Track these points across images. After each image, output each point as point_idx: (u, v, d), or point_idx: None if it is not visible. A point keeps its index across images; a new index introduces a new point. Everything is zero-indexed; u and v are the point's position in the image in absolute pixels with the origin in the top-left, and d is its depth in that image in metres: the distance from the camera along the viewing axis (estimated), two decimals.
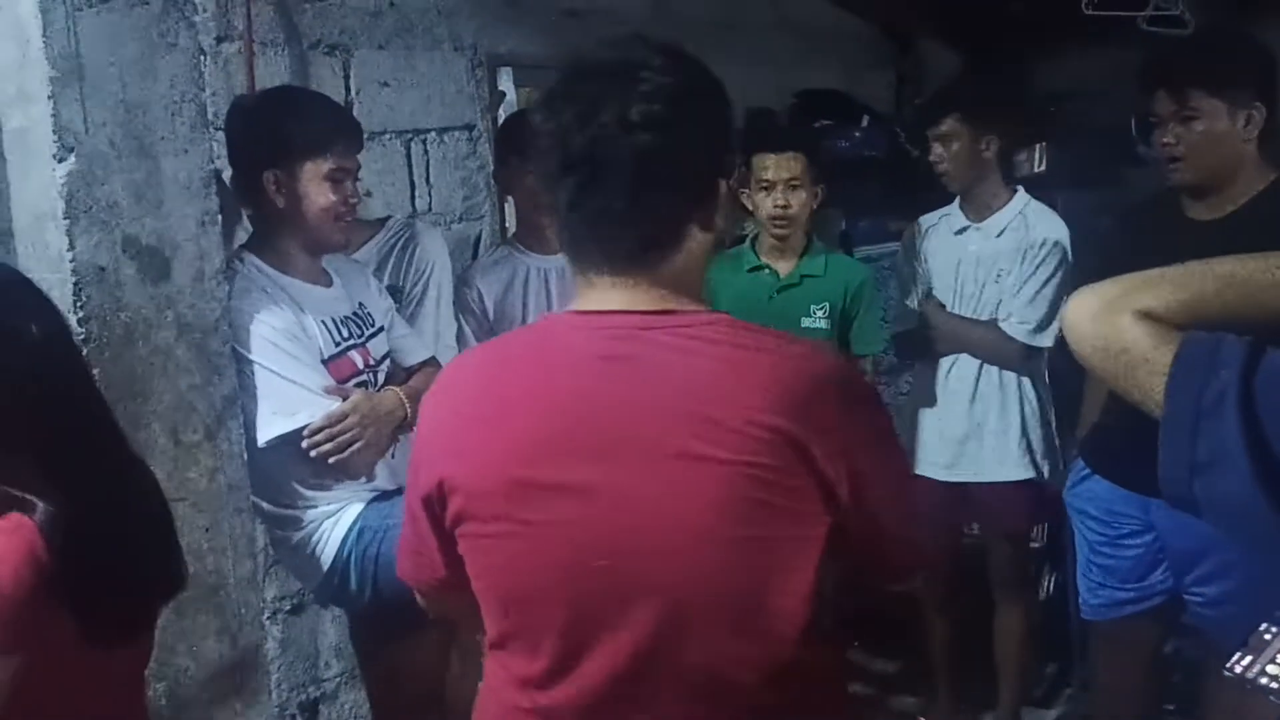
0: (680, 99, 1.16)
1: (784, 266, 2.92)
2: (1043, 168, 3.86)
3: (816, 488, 1.13)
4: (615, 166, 1.14)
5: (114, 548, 1.32)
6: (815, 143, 3.21)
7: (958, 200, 3.05)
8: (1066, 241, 2.90)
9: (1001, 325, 2.90)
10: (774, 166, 2.82)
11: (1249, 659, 1.49)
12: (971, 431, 2.97)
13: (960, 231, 3.02)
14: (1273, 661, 1.45)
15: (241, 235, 2.26)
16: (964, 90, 3.13)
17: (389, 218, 2.73)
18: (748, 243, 3.00)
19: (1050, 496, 2.99)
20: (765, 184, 2.83)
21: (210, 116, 2.23)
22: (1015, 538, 3.08)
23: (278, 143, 2.10)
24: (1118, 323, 0.90)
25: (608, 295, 1.20)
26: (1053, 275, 2.87)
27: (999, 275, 2.93)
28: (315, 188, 2.10)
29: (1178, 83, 2.23)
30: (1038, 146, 3.87)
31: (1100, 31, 3.34)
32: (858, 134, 3.92)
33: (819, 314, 2.89)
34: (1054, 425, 2.99)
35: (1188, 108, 2.22)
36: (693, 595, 1.14)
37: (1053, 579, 3.47)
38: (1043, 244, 2.88)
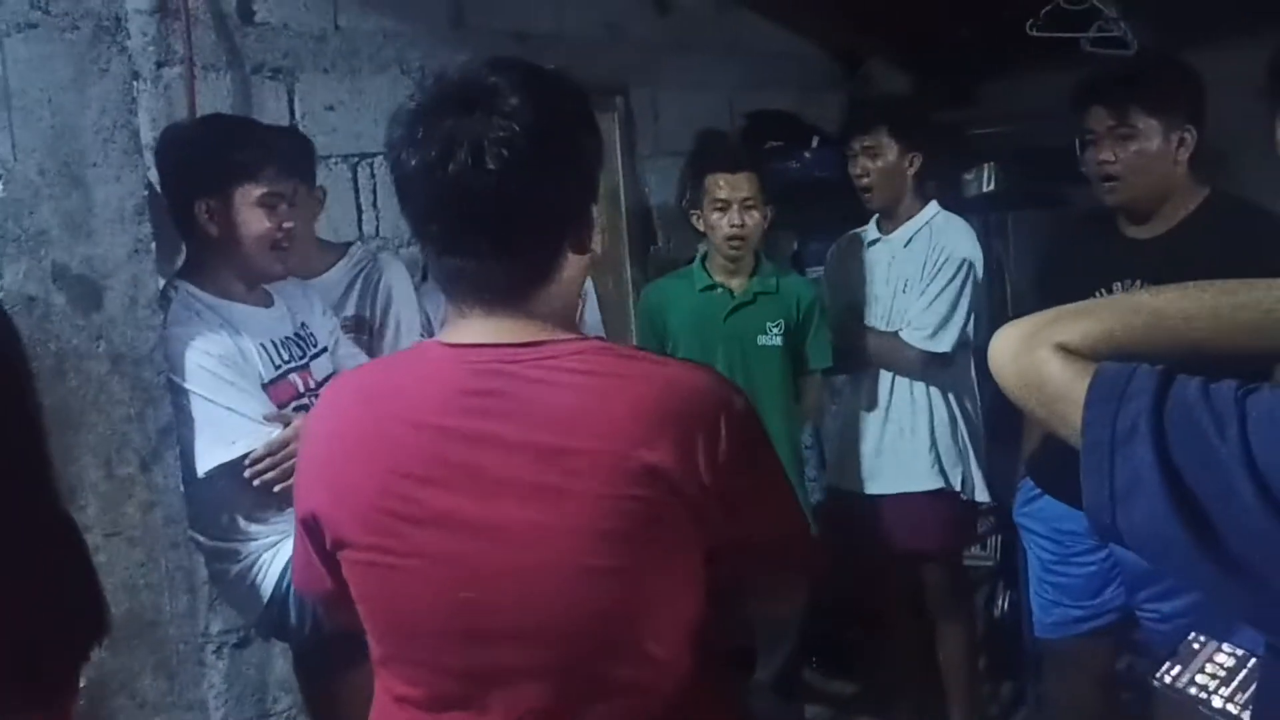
0: (539, 129, 1.12)
1: (737, 285, 2.93)
2: (991, 187, 3.89)
3: (686, 517, 1.13)
4: (478, 207, 1.12)
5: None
6: (766, 163, 3.23)
7: (875, 216, 3.10)
8: (972, 251, 2.95)
9: (901, 334, 2.94)
10: (729, 186, 2.83)
11: (1178, 669, 1.50)
12: (888, 443, 3.00)
13: (872, 244, 3.08)
14: (1200, 671, 1.46)
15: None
16: (895, 105, 3.16)
17: (353, 243, 2.71)
18: (697, 262, 3.01)
19: (964, 507, 3.02)
20: (720, 204, 2.84)
21: (148, 142, 2.21)
22: (936, 552, 3.09)
23: (207, 170, 2.07)
24: (1036, 357, 0.91)
25: (477, 326, 1.19)
26: (951, 282, 2.90)
27: (906, 285, 2.98)
28: (248, 215, 2.08)
29: (1116, 99, 2.28)
30: (986, 166, 3.90)
31: (1046, 54, 3.38)
32: (808, 155, 3.93)
33: (774, 331, 2.92)
34: (967, 437, 3.02)
35: (1125, 124, 2.26)
36: (561, 627, 1.14)
37: (1007, 597, 3.48)
38: (943, 251, 2.93)
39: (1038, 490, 2.52)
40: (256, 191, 2.08)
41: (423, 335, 2.72)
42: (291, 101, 2.89)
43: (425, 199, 1.15)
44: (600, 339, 1.25)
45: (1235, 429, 0.78)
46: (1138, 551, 0.87)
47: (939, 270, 2.92)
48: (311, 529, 1.26)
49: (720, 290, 2.93)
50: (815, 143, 3.99)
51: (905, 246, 3.00)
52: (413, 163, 1.14)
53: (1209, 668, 1.41)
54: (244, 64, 2.80)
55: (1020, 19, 3.38)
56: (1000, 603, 3.51)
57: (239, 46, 2.79)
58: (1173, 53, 3.00)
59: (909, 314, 2.95)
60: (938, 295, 2.91)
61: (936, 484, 2.98)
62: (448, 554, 1.15)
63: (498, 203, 1.12)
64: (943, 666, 3.11)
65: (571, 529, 1.12)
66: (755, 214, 2.85)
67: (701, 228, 2.92)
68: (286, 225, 2.13)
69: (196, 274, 2.13)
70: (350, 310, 2.62)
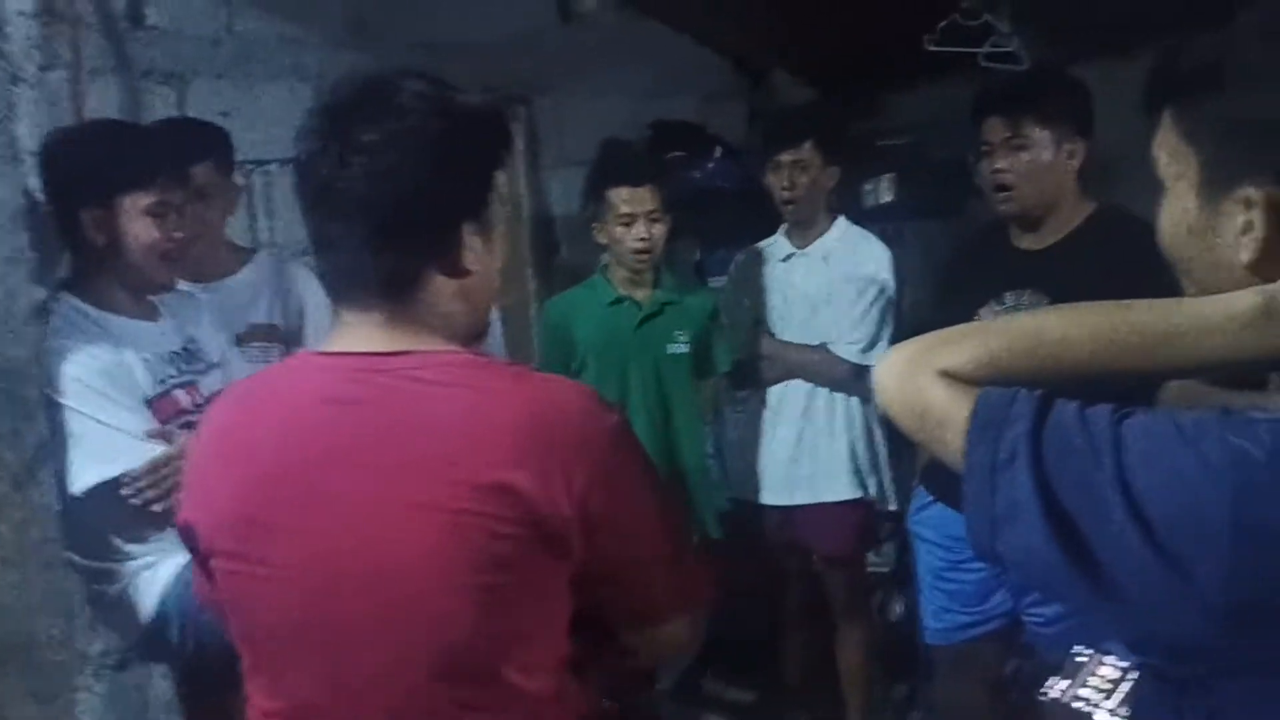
0: (415, 138, 1.13)
1: (642, 296, 2.93)
2: (890, 198, 3.95)
3: (542, 539, 1.11)
4: (344, 202, 1.13)
5: None
6: (670, 172, 3.24)
7: (782, 228, 3.13)
8: (888, 265, 3.01)
9: (831, 348, 2.97)
10: (633, 200, 2.82)
11: (1065, 683, 1.53)
12: (804, 455, 3.02)
13: (786, 258, 3.10)
14: (1085, 685, 1.50)
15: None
16: (819, 118, 3.20)
17: (255, 250, 2.67)
18: (599, 274, 3.00)
19: (878, 516, 3.07)
20: (625, 218, 2.83)
21: (29, 148, 2.14)
22: (848, 559, 3.13)
23: (94, 178, 2.01)
24: (918, 382, 0.91)
25: (351, 333, 1.18)
26: (877, 298, 2.96)
27: (826, 300, 3.01)
28: (136, 223, 2.02)
29: (1010, 111, 2.34)
30: (885, 178, 3.96)
31: (943, 68, 3.45)
32: (710, 165, 3.95)
33: (682, 339, 2.93)
34: (881, 445, 3.07)
35: (1019, 135, 2.32)
36: (416, 644, 1.12)
37: (901, 602, 3.54)
38: (865, 268, 2.98)
39: (930, 498, 2.56)
40: (145, 200, 2.02)
41: None
42: (183, 107, 2.83)
43: (304, 192, 1.17)
44: (476, 352, 1.22)
45: (1111, 454, 0.79)
46: (1017, 574, 0.88)
47: (864, 287, 2.97)
48: (187, 537, 1.26)
49: (628, 302, 2.93)
50: (718, 153, 4.01)
51: (823, 261, 3.03)
52: (301, 156, 1.17)
53: (1093, 681, 1.44)
54: (133, 69, 2.74)
55: (918, 33, 3.44)
56: (895, 607, 3.57)
57: (128, 51, 2.73)
58: (1062, 67, 3.09)
59: (836, 328, 2.98)
60: (865, 311, 2.95)
61: (855, 493, 3.02)
62: (303, 563, 1.14)
63: (361, 199, 1.13)
64: (842, 670, 3.15)
65: (423, 544, 1.10)
66: (660, 226, 2.85)
67: (604, 240, 2.91)
68: (176, 235, 2.08)
69: (80, 286, 2.07)
70: (261, 318, 2.58)
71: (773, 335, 3.07)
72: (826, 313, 3.00)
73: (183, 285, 2.36)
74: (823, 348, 2.99)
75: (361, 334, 1.18)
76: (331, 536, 1.12)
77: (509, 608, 1.12)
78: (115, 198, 2.01)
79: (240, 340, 2.53)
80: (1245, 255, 0.86)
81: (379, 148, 1.12)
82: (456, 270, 1.19)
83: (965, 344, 0.92)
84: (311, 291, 2.64)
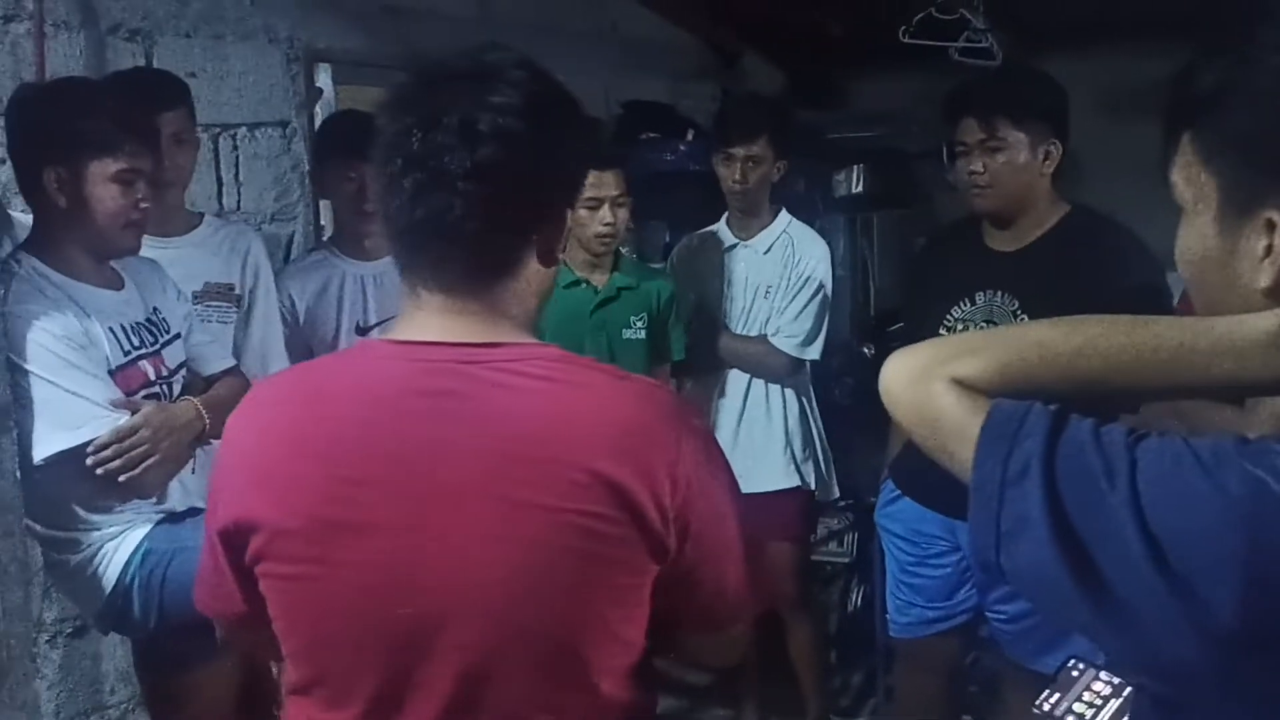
0: (533, 116, 1.10)
1: (599, 280, 2.92)
2: (860, 188, 3.96)
3: (643, 538, 1.07)
4: (454, 177, 1.07)
5: None
6: (641, 154, 3.21)
7: (724, 218, 3.14)
8: (827, 260, 3.05)
9: (771, 340, 3.00)
10: (599, 184, 2.78)
11: (1056, 696, 1.54)
12: (742, 443, 3.03)
13: (729, 249, 3.11)
14: (1079, 699, 1.51)
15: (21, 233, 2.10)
16: (774, 113, 3.19)
17: (203, 214, 2.61)
18: None
19: (815, 505, 3.10)
20: (591, 201, 2.80)
21: None
22: (790, 546, 3.13)
23: (62, 138, 1.94)
24: (930, 390, 0.90)
25: (432, 320, 1.13)
26: (817, 292, 3.00)
27: (767, 291, 3.03)
28: (102, 189, 1.96)
29: (986, 112, 2.33)
30: (856, 167, 3.97)
31: (917, 60, 3.46)
32: (682, 147, 3.94)
33: (638, 324, 2.92)
34: (818, 435, 3.11)
35: (994, 137, 2.32)
36: (505, 644, 1.09)
37: (860, 592, 3.57)
38: (806, 262, 3.01)
39: (897, 492, 2.57)
40: (113, 167, 1.96)
41: (284, 319, 2.64)
42: (149, 65, 2.75)
43: (402, 159, 1.09)
44: (559, 348, 1.18)
45: (1125, 476, 0.78)
46: (1020, 590, 0.88)
47: (805, 280, 3.00)
48: (231, 540, 1.17)
49: (585, 285, 2.91)
50: (690, 135, 4.00)
51: (764, 253, 3.05)
52: (393, 127, 1.10)
53: (1086, 696, 1.44)
54: (99, 23, 2.66)
55: (894, 24, 3.45)
56: (854, 597, 3.60)
57: (94, 5, 2.65)
58: (1034, 65, 3.11)
59: (775, 322, 3.01)
60: (806, 304, 2.99)
61: (793, 482, 3.05)
62: (387, 563, 1.09)
63: (477, 169, 1.07)
64: (794, 658, 3.17)
65: (520, 541, 1.06)
66: (624, 211, 2.83)
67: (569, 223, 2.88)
68: (144, 205, 2.01)
69: (43, 247, 2.00)
70: (218, 277, 2.53)
71: (714, 325, 3.08)
72: (765, 304, 3.03)
73: (144, 241, 2.31)
74: (763, 339, 3.02)
75: (444, 323, 1.13)
76: (420, 534, 1.08)
77: (603, 608, 1.10)
78: (81, 161, 1.94)
79: (197, 297, 2.48)
80: (1265, 280, 0.85)
81: (504, 121, 1.07)
82: (552, 256, 1.17)
83: (977, 353, 0.91)
84: (265, 258, 2.63)
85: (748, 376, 3.05)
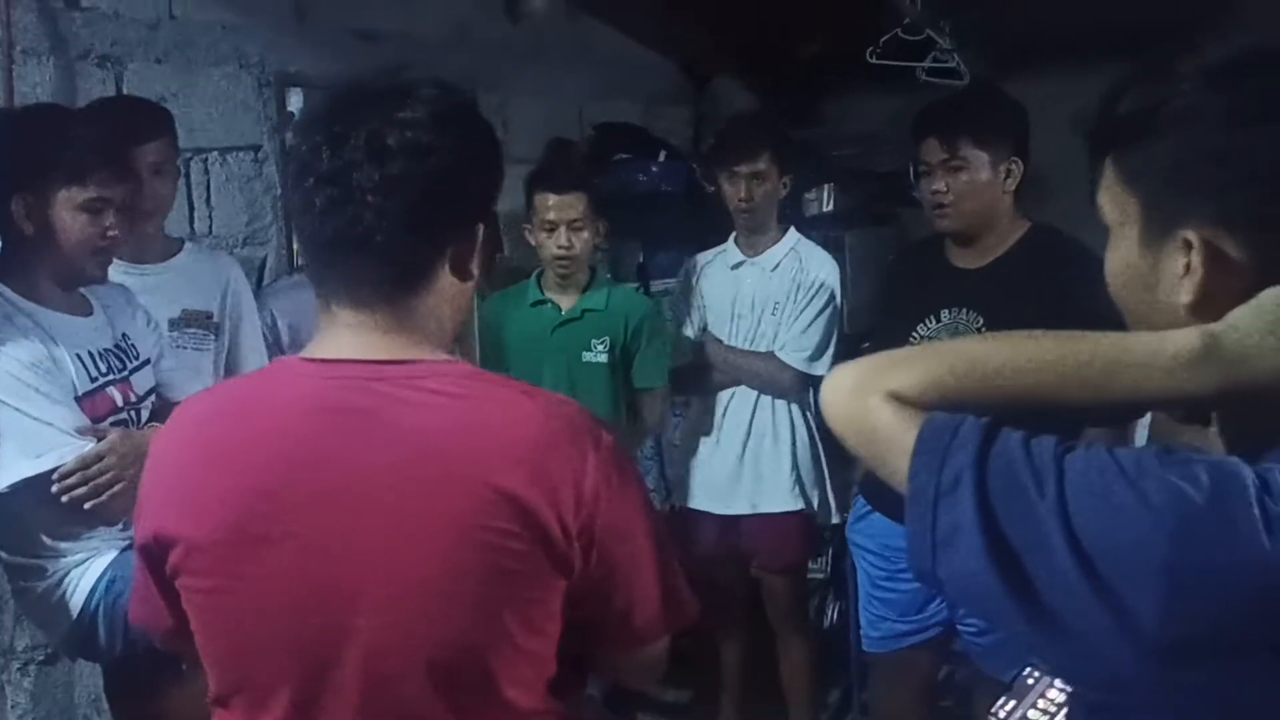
0: (441, 131, 1.12)
1: (566, 301, 2.93)
2: (830, 207, 3.99)
3: (546, 553, 1.09)
4: (363, 191, 1.09)
5: None
6: (595, 181, 3.21)
7: (733, 236, 3.14)
8: (836, 277, 3.05)
9: (778, 355, 2.99)
10: (556, 208, 2.82)
11: (1012, 703, 1.55)
12: (747, 464, 3.03)
13: (736, 266, 3.11)
14: (1034, 706, 1.52)
15: None
16: (775, 130, 3.21)
17: (183, 240, 2.64)
18: (534, 276, 2.99)
19: (818, 528, 3.11)
20: (548, 225, 2.82)
21: None
22: (790, 570, 3.14)
23: (29, 166, 1.95)
24: (867, 403, 0.92)
25: (345, 338, 1.15)
26: (825, 308, 3.00)
27: (774, 308, 3.03)
28: (69, 217, 1.96)
29: (948, 132, 2.37)
30: (826, 186, 4.00)
31: (885, 80, 3.50)
32: (655, 168, 3.96)
33: (599, 348, 2.91)
34: (823, 458, 3.09)
35: (956, 156, 2.36)
36: (412, 654, 1.11)
37: (836, 608, 3.58)
38: (815, 278, 3.01)
39: (868, 507, 2.59)
40: (81, 195, 1.96)
41: (267, 338, 2.66)
42: (120, 91, 2.76)
43: (313, 177, 1.11)
44: (472, 366, 1.20)
45: (1053, 486, 0.80)
46: (956, 599, 0.90)
47: (813, 296, 2.99)
48: (152, 555, 1.19)
49: (549, 305, 2.92)
50: (662, 156, 4.02)
51: (772, 270, 3.04)
52: (305, 145, 1.13)
53: (1041, 703, 1.46)
54: (68, 49, 2.67)
55: (862, 45, 3.48)
56: (830, 613, 3.61)
57: (63, 31, 2.66)
58: (1001, 84, 3.14)
59: (782, 337, 3.00)
60: (813, 320, 2.98)
61: (797, 505, 3.03)
62: (299, 577, 1.11)
63: (384, 182, 1.09)
64: (785, 676, 3.16)
65: (425, 555, 1.08)
66: (584, 234, 2.84)
67: (533, 243, 2.91)
68: (111, 233, 2.01)
69: (9, 274, 2.00)
70: (197, 304, 2.54)
71: (720, 341, 3.08)
72: (773, 321, 3.02)
73: (121, 269, 2.33)
74: (770, 355, 3.00)
75: (356, 340, 1.15)
76: (328, 549, 1.10)
77: (508, 621, 1.11)
78: (48, 189, 1.94)
79: (174, 325, 2.49)
80: (1185, 297, 0.87)
81: (413, 138, 1.10)
82: (465, 271, 1.18)
83: (912, 367, 0.93)
84: (243, 285, 2.65)
85: (755, 395, 3.04)
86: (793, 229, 3.13)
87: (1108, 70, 1.00)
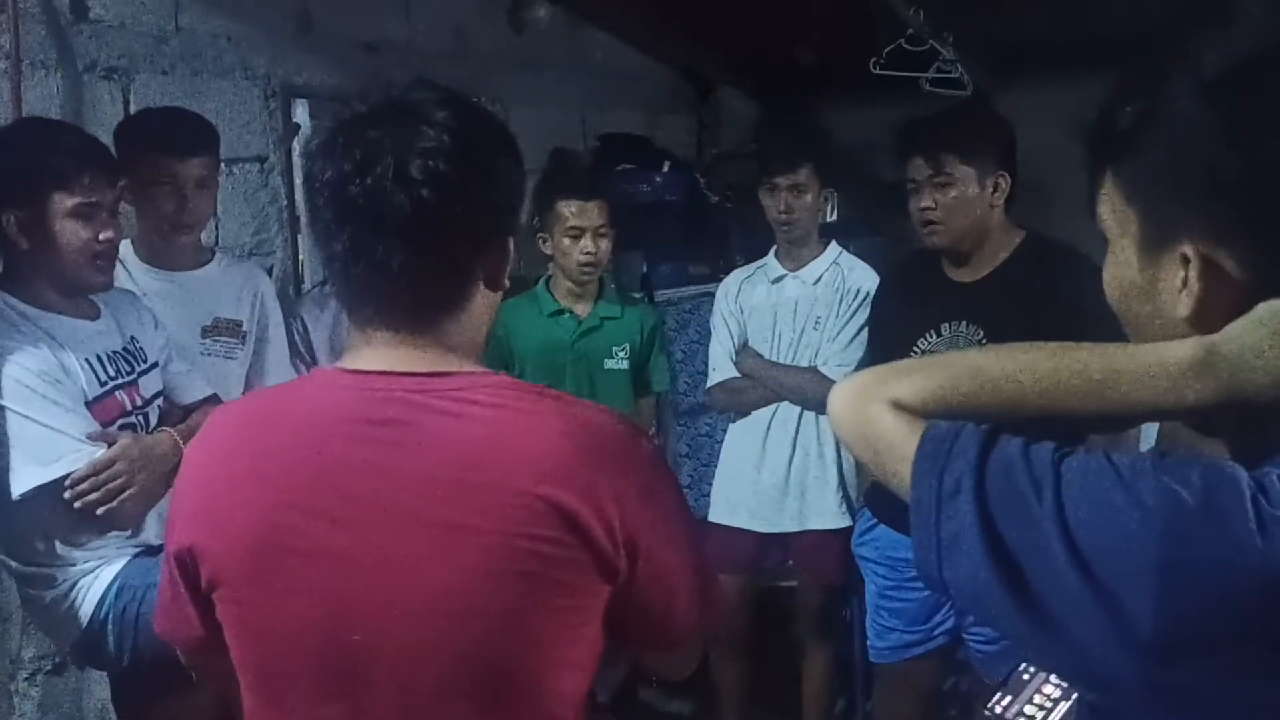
0: (464, 154, 1.10)
1: (582, 309, 2.93)
2: (834, 217, 4.00)
3: (591, 560, 1.08)
4: (392, 222, 1.08)
5: None
6: (617, 185, 3.24)
7: (773, 251, 3.12)
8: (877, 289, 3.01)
9: (821, 369, 2.96)
10: (582, 214, 2.82)
11: (1008, 699, 1.56)
12: (794, 480, 3.00)
13: (777, 280, 3.08)
14: (1029, 702, 1.53)
15: None
16: (816, 142, 3.22)
17: (214, 250, 2.69)
18: (542, 285, 3.00)
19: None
20: (574, 231, 2.82)
21: None
22: (833, 584, 3.11)
23: (13, 179, 1.95)
24: (870, 412, 0.93)
25: (381, 353, 1.15)
26: (867, 321, 2.94)
27: (816, 322, 2.99)
28: (61, 226, 1.96)
29: (932, 150, 2.39)
30: (830, 196, 4.00)
31: (889, 90, 3.51)
32: (659, 179, 3.98)
33: (620, 355, 2.93)
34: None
35: (942, 173, 2.37)
36: (450, 668, 1.10)
37: (842, 618, 3.57)
38: (857, 291, 2.97)
39: (874, 520, 2.60)
40: (69, 202, 1.95)
41: (297, 348, 2.70)
42: (127, 103, 2.77)
43: (338, 207, 1.10)
44: (506, 375, 1.20)
45: (1051, 491, 0.81)
46: (961, 603, 0.91)
47: (856, 309, 2.95)
48: (185, 566, 1.18)
49: (568, 315, 2.93)
50: (666, 166, 4.03)
51: (815, 284, 3.02)
52: (329, 173, 1.11)
53: (1037, 699, 1.47)
54: (76, 62, 2.68)
55: (865, 55, 3.50)
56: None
57: (71, 43, 2.67)
58: (1004, 94, 3.16)
59: (825, 351, 2.96)
60: (856, 334, 2.94)
61: (845, 523, 2.98)
62: (336, 590, 1.10)
63: (415, 215, 1.08)
64: (807, 687, 3.16)
65: (462, 566, 1.07)
66: (606, 241, 2.86)
67: (549, 251, 2.90)
68: (105, 236, 2.01)
69: (14, 283, 2.01)
70: (228, 313, 2.57)
71: (760, 356, 3.06)
72: (815, 335, 2.99)
73: (153, 275, 2.39)
74: (813, 369, 2.97)
75: (394, 354, 1.14)
76: (363, 561, 1.09)
77: (549, 631, 1.10)
78: (36, 200, 1.94)
79: (205, 333, 2.52)
80: (1183, 310, 0.88)
81: (439, 164, 1.08)
82: (498, 282, 1.18)
83: (914, 377, 0.95)
84: (271, 295, 2.69)
85: (799, 412, 3.01)
86: (834, 242, 3.10)
87: (1111, 80, 1.00)
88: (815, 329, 3.00)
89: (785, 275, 3.07)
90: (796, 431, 3.01)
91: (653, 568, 1.13)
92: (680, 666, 1.33)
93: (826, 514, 3.00)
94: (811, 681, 3.17)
